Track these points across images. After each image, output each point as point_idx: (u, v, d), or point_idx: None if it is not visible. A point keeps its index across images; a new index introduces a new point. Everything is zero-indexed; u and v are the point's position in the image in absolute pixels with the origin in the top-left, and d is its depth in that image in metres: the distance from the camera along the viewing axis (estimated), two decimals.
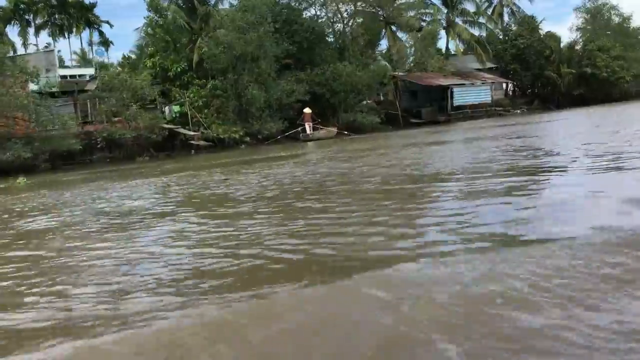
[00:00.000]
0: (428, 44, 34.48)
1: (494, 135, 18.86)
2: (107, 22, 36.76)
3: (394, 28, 41.62)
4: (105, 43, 50.84)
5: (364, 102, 41.60)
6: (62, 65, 44.57)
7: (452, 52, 42.63)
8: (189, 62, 29.37)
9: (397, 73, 36.60)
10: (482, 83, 40.13)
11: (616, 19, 48.81)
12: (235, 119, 28.66)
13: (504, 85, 49.31)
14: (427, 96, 39.48)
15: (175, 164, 21.37)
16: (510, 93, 50.26)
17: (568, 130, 18.84)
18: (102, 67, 30.86)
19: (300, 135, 27.87)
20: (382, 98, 40.87)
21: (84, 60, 51.54)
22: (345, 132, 28.69)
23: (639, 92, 49.99)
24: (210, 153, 26.87)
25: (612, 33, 47.73)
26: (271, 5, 30.66)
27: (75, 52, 52.38)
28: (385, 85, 34.47)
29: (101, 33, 37.12)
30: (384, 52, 44.15)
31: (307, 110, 28.18)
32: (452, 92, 37.43)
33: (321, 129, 28.17)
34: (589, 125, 20.26)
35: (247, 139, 28.48)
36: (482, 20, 43.49)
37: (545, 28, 48.87)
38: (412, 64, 37.05)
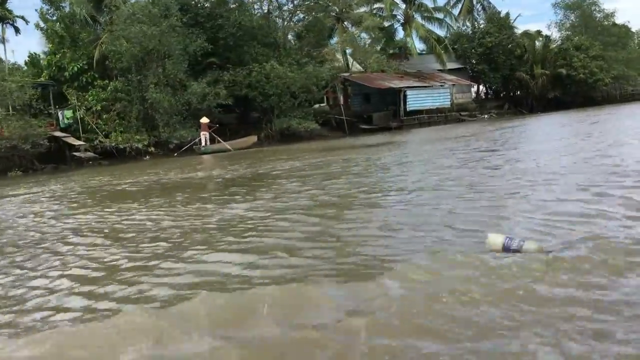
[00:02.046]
0: (368, 41, 30.49)
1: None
2: (22, 18, 33.02)
3: (348, 25, 38.00)
4: None
5: (316, 106, 38.04)
6: None
7: (417, 51, 38.68)
8: (90, 61, 25.64)
9: (343, 74, 32.67)
10: (441, 85, 36.27)
11: (598, 16, 44.85)
12: (140, 126, 24.97)
13: (475, 88, 45.63)
14: (382, 99, 35.74)
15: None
16: (483, 96, 46.55)
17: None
18: None
19: (194, 147, 24.08)
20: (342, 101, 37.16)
21: None
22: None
23: (624, 95, 46.15)
24: (109, 166, 23.24)
25: (591, 30, 43.88)
26: None
27: None
28: (324, 88, 30.61)
29: (16, 29, 33.38)
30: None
31: (204, 119, 24.34)
32: (405, 96, 33.62)
33: (218, 141, 24.31)
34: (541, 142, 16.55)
35: (152, 148, 24.78)
36: (442, 16, 39.46)
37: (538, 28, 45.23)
38: (369, 64, 33.09)
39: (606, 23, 45.13)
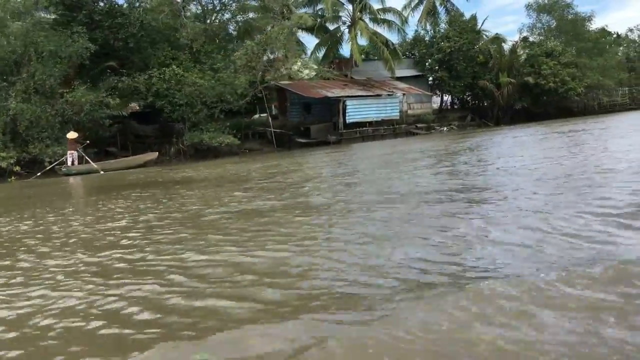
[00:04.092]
0: (285, 43, 26.50)
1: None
2: None
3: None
4: None
5: (256, 116, 34.37)
6: None
7: (360, 57, 34.76)
8: None
9: (274, 81, 28.71)
10: (389, 95, 32.42)
11: (571, 18, 40.91)
12: (7, 141, 21.16)
13: (439, 97, 41.95)
14: (326, 110, 31.92)
15: None
16: (448, 106, 42.85)
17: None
18: None
19: (56, 168, 20.26)
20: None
21: None
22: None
23: (604, 106, 42.28)
24: None
25: (565, 35, 40.15)
26: None
27: None
28: (244, 97, 26.72)
29: None
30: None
31: (70, 135, 20.50)
32: (344, 106, 29.82)
33: (87, 161, 20.43)
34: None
35: (17, 168, 20.94)
36: (395, 19, 35.55)
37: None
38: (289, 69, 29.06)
39: (582, 28, 41.34)
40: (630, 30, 50.29)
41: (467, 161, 12.45)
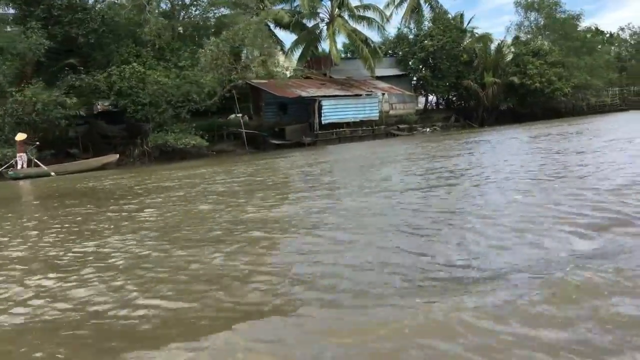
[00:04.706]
0: (253, 39, 25.19)
1: None
2: None
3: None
4: None
5: (232, 116, 33.18)
6: None
7: (336, 54, 33.48)
8: None
9: (245, 80, 27.51)
10: (368, 95, 31.28)
11: (560, 17, 39.82)
12: None
13: (424, 97, 40.93)
14: (303, 110, 30.76)
15: None
16: (434, 106, 41.82)
17: None
18: None
19: (2, 171, 19.12)
20: None
21: None
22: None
23: (593, 106, 41.24)
24: None
25: (553, 34, 39.14)
26: None
27: None
28: (213, 96, 25.54)
29: None
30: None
31: (19, 136, 19.35)
32: (320, 106, 28.69)
33: (37, 164, 19.28)
34: None
35: None
36: (374, 16, 34.36)
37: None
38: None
39: (571, 27, 40.27)
40: (622, 29, 49.32)
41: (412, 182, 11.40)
